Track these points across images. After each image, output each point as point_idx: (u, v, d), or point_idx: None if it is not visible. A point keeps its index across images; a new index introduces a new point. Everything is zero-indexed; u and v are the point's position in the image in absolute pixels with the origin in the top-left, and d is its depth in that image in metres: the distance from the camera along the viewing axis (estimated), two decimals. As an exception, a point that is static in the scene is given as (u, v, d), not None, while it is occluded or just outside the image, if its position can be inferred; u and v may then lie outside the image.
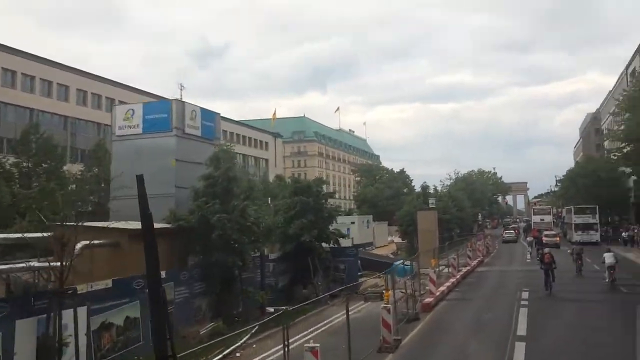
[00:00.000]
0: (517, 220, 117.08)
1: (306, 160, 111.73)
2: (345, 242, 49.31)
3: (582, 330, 17.61)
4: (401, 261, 36.20)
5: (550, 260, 25.18)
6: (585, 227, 53.71)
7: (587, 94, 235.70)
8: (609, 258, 25.91)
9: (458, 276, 30.13)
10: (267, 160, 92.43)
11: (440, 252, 39.46)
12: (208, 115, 25.46)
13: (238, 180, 20.52)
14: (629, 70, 67.29)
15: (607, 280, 25.88)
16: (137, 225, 20.63)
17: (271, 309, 22.72)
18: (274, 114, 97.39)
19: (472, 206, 71.68)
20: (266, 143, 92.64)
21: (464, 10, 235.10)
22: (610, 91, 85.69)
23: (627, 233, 48.36)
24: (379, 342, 16.16)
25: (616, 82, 76.86)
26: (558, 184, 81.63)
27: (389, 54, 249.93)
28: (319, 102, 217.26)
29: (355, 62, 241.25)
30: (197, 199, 19.83)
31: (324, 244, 27.68)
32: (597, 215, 53.97)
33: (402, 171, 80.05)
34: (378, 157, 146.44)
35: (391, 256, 43.83)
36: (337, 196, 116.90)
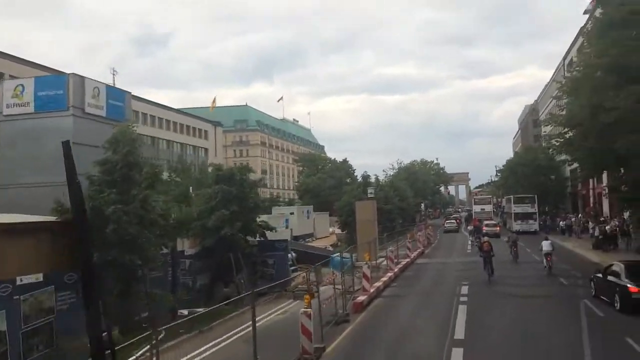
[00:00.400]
0: (459, 210, 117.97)
1: (248, 150, 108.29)
2: (283, 234, 46.99)
3: (523, 331, 15.83)
4: (339, 253, 34.29)
5: (489, 249, 25.65)
6: (525, 217, 53.33)
7: (526, 88, 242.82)
8: (546, 246, 26.71)
9: (396, 269, 28.22)
10: (206, 150, 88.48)
11: (380, 244, 37.78)
12: (116, 93, 22.29)
13: (141, 165, 17.50)
14: (566, 62, 67.62)
15: (545, 267, 26.60)
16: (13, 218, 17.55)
17: (185, 312, 20.01)
18: (214, 101, 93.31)
19: (414, 196, 70.61)
20: (205, 132, 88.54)
21: (409, 3, 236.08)
22: (547, 84, 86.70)
23: (564, 222, 48.09)
24: (298, 353, 13.79)
25: (553, 74, 77.48)
26: (498, 174, 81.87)
27: (335, 45, 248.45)
28: (266, 93, 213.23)
29: (301, 53, 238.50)
30: (92, 187, 16.77)
31: (252, 238, 25.18)
32: (536, 205, 53.65)
33: (345, 161, 78.20)
34: (323, 147, 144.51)
35: (330, 248, 41.69)
36: (279, 186, 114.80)
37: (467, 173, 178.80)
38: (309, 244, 48.14)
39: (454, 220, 65.44)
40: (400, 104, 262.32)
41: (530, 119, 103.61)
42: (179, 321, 15.51)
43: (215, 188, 23.00)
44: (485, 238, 30.04)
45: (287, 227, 47.98)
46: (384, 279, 25.33)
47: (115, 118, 21.74)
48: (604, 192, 53.62)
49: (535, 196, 54.01)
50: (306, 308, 14.00)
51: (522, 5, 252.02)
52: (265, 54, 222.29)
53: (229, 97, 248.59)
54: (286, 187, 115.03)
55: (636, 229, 26.41)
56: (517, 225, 53.20)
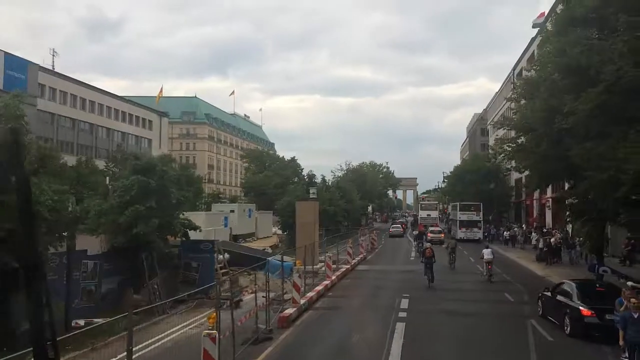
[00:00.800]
0: (406, 214, 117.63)
1: (195, 144, 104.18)
2: (221, 233, 44.00)
3: (466, 358, 13.81)
4: (278, 256, 31.79)
5: (431, 255, 25.55)
6: (469, 224, 52.34)
7: (476, 98, 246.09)
8: (487, 254, 26.88)
9: (334, 277, 25.99)
10: (150, 140, 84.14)
11: (322, 247, 35.60)
12: (15, 63, 18.96)
13: (24, 146, 14.41)
14: (516, 72, 67.52)
15: (485, 274, 26.65)
16: None
17: (81, 322, 17.03)
18: (160, 91, 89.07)
19: (361, 198, 68.87)
20: (150, 122, 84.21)
21: (366, 7, 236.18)
22: (496, 93, 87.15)
23: (508, 232, 47.20)
24: (200, 384, 11.22)
25: (502, 84, 77.59)
26: (445, 180, 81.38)
27: (291, 44, 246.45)
28: (219, 87, 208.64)
29: (257, 49, 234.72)
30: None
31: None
32: (481, 213, 52.79)
33: (293, 159, 75.67)
34: (273, 144, 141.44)
35: (269, 250, 39.07)
36: (227, 182, 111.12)
37: (415, 178, 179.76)
38: (247, 244, 45.34)
39: (399, 225, 64.11)
40: (353, 107, 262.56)
41: (478, 127, 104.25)
42: (65, 336, 12.60)
43: (132, 179, 19.99)
44: (428, 245, 29.51)
45: (226, 226, 45.04)
46: (319, 288, 23.01)
47: (12, 90, 18.51)
48: (547, 203, 53.51)
49: (481, 204, 53.16)
50: (210, 329, 11.41)
51: (474, 17, 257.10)
52: (220, 48, 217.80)
53: (180, 89, 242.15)
54: (233, 184, 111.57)
55: (584, 242, 25.06)
56: (461, 233, 52.18)
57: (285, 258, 24.45)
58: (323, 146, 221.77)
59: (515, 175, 66.71)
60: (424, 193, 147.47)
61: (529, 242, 44.43)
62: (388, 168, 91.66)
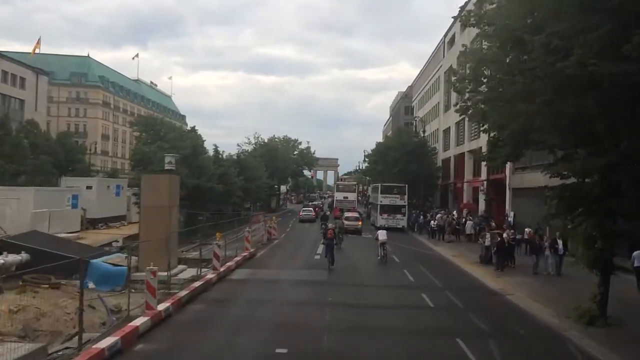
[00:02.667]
0: (325, 196, 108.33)
1: (86, 110, 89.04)
2: (69, 216, 32.21)
3: None
4: (112, 256, 20.74)
5: (333, 236, 23.98)
6: (392, 210, 43.20)
7: (399, 83, 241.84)
8: (381, 235, 26.03)
9: (182, 294, 15.45)
10: (22, 101, 68.86)
11: (182, 244, 24.97)
12: None
13: None
14: (447, 39, 59.06)
15: (380, 256, 25.48)
16: None
17: None
18: (37, 43, 73.20)
19: (270, 176, 58.30)
20: (22, 79, 68.80)
21: None
22: (422, 68, 79.15)
23: (435, 222, 37.80)
24: None
25: (432, 54, 69.28)
26: (366, 159, 72.12)
27: (215, 18, 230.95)
28: (139, 58, 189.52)
29: (179, 22, 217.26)
30: None
31: None
32: (406, 197, 43.80)
33: (194, 129, 63.58)
34: (184, 117, 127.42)
35: (118, 243, 27.70)
36: (124, 155, 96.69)
37: (337, 159, 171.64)
38: (105, 231, 33.64)
39: (311, 209, 53.97)
40: (277, 86, 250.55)
41: (402, 105, 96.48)
42: None
43: None
44: (330, 225, 27.20)
45: (75, 207, 33.06)
46: (144, 320, 12.42)
47: None
48: (481, 187, 45.59)
49: (406, 186, 44.17)
50: None
51: (398, 3, 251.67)
52: (141, 17, 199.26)
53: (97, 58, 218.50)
54: (126, 157, 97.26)
55: (580, 250, 15.63)
56: (382, 220, 42.96)
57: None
58: (247, 125, 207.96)
59: (442, 154, 58.80)
60: (345, 174, 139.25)
61: (462, 233, 35.89)
62: (301, 143, 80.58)
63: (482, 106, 14.75)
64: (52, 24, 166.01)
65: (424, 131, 50.46)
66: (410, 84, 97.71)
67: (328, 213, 52.69)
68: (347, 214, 41.12)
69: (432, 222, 38.04)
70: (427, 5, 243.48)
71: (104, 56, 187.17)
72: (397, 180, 47.48)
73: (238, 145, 66.64)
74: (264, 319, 14.02)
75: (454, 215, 41.24)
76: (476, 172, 45.88)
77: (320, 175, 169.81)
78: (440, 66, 61.35)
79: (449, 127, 56.44)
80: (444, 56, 60.29)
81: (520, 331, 13.49)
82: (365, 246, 31.07)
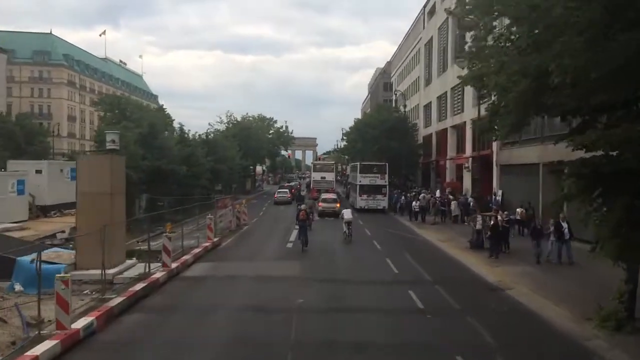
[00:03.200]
0: (304, 176, 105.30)
1: (50, 90, 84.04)
2: (15, 203, 28.90)
3: None
4: (48, 252, 17.52)
5: (305, 218, 23.05)
6: (372, 190, 40.40)
7: (377, 61, 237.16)
8: (347, 214, 25.84)
9: (117, 301, 12.46)
10: (-24, 82, 64.19)
11: (134, 235, 21.93)
12: None
13: None
14: (427, 10, 55.88)
15: (345, 233, 25.20)
16: None
17: None
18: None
19: (243, 157, 54.93)
20: (-25, 57, 64.03)
21: None
22: (401, 42, 75.98)
23: (417, 203, 34.98)
24: None
25: (411, 26, 66.08)
26: (344, 137, 68.73)
27: None
28: (111, 39, 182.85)
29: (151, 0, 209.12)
30: None
31: None
32: (387, 176, 40.98)
33: (162, 108, 59.87)
34: (156, 97, 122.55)
35: (64, 235, 24.39)
36: (91, 137, 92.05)
37: (315, 138, 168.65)
38: (54, 219, 30.27)
39: (287, 190, 50.93)
40: (255, 66, 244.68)
41: (381, 82, 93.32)
42: None
43: None
44: (303, 206, 26.47)
45: (22, 193, 29.57)
46: (51, 344, 9.47)
47: None
48: (464, 165, 43.02)
49: (387, 165, 41.34)
50: None
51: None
52: None
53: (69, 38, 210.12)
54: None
55: (601, 239, 12.92)
56: (362, 201, 40.23)
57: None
58: (225, 107, 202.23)
59: (423, 131, 56.05)
60: (324, 154, 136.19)
61: (447, 215, 33.32)
62: (276, 121, 76.60)
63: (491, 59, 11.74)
64: (15, 2, 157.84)
65: (404, 106, 47.52)
66: (388, 60, 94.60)
67: (304, 193, 49.85)
68: (324, 195, 38.21)
69: (414, 202, 35.22)
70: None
71: (74, 37, 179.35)
72: (376, 158, 44.67)
73: (209, 124, 62.92)
74: (214, 335, 11.05)
75: (436, 195, 38.65)
76: (460, 148, 43.27)
77: (298, 155, 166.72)
78: (420, 38, 58.29)
79: (430, 103, 53.65)
80: (424, 27, 57.19)
81: (534, 342, 10.78)
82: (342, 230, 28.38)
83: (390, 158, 44.79)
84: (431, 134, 52.81)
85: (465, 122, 41.10)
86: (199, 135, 47.02)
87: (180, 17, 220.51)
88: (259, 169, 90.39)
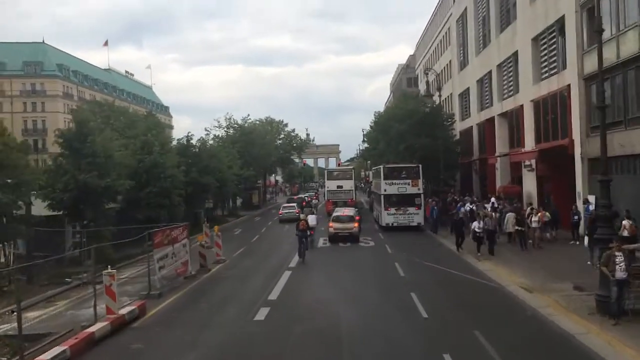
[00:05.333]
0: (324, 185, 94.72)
1: (44, 103, 75.83)
2: None
3: None
4: None
5: (305, 228, 21.70)
6: (402, 202, 29.67)
7: (397, 66, 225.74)
8: (311, 221, 24.17)
9: None
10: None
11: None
12: None
13: None
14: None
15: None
16: None
17: None
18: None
19: (244, 166, 44.79)
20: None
21: None
22: (424, 29, 65.17)
23: (482, 223, 21.94)
24: None
25: (436, 6, 55.17)
26: (365, 140, 57.70)
27: (209, 12, 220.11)
28: (134, 58, 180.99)
29: (172, 18, 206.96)
30: None
31: None
32: (421, 181, 30.25)
33: (151, 114, 50.24)
34: (167, 108, 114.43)
35: None
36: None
37: (338, 145, 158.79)
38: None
39: (294, 205, 40.13)
40: (276, 77, 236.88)
41: (404, 77, 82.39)
42: None
43: None
44: (302, 216, 23.98)
45: None
46: None
47: None
48: (525, 162, 32.00)
49: (420, 166, 30.61)
50: None
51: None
52: (134, 16, 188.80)
53: (91, 59, 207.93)
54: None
55: None
56: (389, 216, 29.60)
57: None
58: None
59: (459, 125, 45.01)
60: (346, 161, 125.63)
61: (527, 236, 22.10)
62: (286, 125, 65.35)
63: None
64: (36, 22, 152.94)
65: (439, 89, 36.71)
66: (411, 53, 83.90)
67: (315, 202, 40.30)
68: (337, 212, 27.42)
69: (476, 223, 22.25)
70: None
71: (96, 58, 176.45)
72: (405, 160, 34.05)
73: (206, 129, 52.84)
74: None
75: (490, 205, 27.69)
76: (515, 141, 32.17)
77: (322, 163, 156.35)
78: (450, 14, 47.43)
79: (467, 90, 42.69)
80: (453, 2, 46.42)
81: None
82: (368, 269, 18.09)
83: (421, 159, 34.03)
84: (470, 127, 41.83)
85: (521, 105, 30.16)
86: (178, 140, 37.08)
87: (201, 33, 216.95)
88: (273, 179, 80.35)
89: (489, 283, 15.60)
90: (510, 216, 23.06)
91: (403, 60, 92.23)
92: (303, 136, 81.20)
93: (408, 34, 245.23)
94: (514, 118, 32.28)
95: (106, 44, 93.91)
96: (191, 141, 38.66)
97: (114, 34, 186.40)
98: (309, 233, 22.42)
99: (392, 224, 29.37)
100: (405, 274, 17.13)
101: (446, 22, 49.12)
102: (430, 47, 59.75)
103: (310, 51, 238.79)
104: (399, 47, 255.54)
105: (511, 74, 32.44)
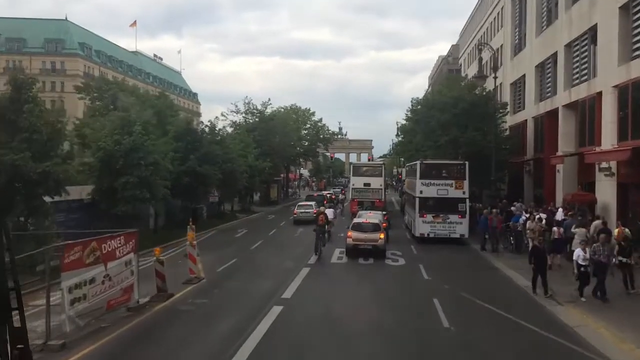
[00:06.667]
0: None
1: (64, 83, 72.09)
2: None
3: None
4: None
5: (324, 222, 20.96)
6: (442, 207, 23.46)
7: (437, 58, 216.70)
8: (329, 214, 23.60)
9: None
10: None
11: None
12: None
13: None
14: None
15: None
16: None
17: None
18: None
19: (260, 156, 39.31)
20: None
21: None
22: (471, 13, 58.25)
23: (591, 252, 14.18)
24: None
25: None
26: (399, 134, 51.04)
27: (248, 3, 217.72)
28: (174, 47, 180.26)
29: (213, 7, 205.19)
30: None
31: None
32: (467, 182, 23.93)
33: (163, 94, 45.36)
34: (195, 95, 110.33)
35: None
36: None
37: (371, 140, 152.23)
38: None
39: (311, 205, 33.90)
40: (313, 70, 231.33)
41: (445, 69, 75.49)
42: None
43: None
44: (322, 208, 23.05)
45: None
46: None
47: None
48: (601, 165, 25.30)
49: (466, 164, 24.32)
50: None
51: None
52: (174, 4, 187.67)
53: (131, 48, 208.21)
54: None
55: None
56: (424, 225, 23.55)
57: None
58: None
59: (510, 119, 38.25)
60: (379, 157, 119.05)
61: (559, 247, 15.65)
62: (314, 114, 58.80)
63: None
64: (86, 12, 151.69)
65: (495, 69, 30.14)
66: (454, 42, 76.85)
67: (342, 196, 35.82)
68: (357, 219, 21.45)
69: (579, 252, 13.67)
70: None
71: (139, 45, 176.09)
72: (447, 156, 27.85)
73: (223, 114, 47.07)
74: None
75: (559, 216, 21.35)
76: (587, 138, 25.51)
77: (353, 158, 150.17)
78: (506, -10, 40.72)
79: (523, 77, 35.96)
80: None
81: None
82: (394, 309, 12.23)
83: (466, 156, 27.70)
84: (523, 121, 35.21)
85: (599, 93, 23.55)
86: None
87: (240, 24, 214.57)
88: (297, 172, 74.78)
89: (586, 354, 9.52)
90: (581, 233, 17.19)
91: (444, 53, 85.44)
92: (335, 129, 75.63)
93: (448, 31, 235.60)
94: (586, 109, 25.59)
95: (134, 24, 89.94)
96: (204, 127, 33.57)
97: (155, 22, 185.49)
98: (326, 228, 21.65)
99: (428, 234, 23.30)
100: (451, 324, 11.18)
101: (499, 1, 42.33)
102: (477, 33, 52.87)
103: (349, 45, 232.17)
104: (440, 45, 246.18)
105: (585, 54, 25.77)
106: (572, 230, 18.96)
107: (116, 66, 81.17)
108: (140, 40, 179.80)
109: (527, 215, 21.76)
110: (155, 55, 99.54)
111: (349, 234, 19.69)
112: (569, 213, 21.52)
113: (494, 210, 21.69)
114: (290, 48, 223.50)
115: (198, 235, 26.18)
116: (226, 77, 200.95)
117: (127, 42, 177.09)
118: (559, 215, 21.89)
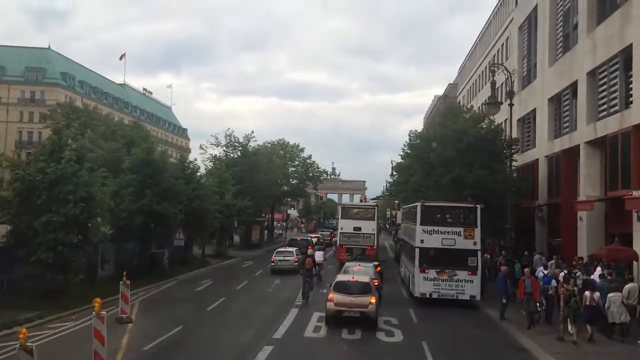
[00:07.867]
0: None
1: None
2: None
3: None
4: None
5: (312, 266, 20.11)
6: (449, 261, 18.79)
7: (433, 98, 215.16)
8: (318, 257, 23.25)
9: None
10: None
11: None
12: None
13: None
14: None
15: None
16: None
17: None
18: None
19: (240, 192, 34.78)
20: None
21: (322, 11, 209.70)
22: (471, 47, 55.27)
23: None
24: None
25: (492, 12, 45.24)
26: (394, 174, 46.45)
27: (247, 44, 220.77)
28: (173, 84, 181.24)
29: (211, 48, 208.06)
30: None
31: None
32: (478, 230, 19.31)
33: (137, 124, 41.33)
34: (185, 130, 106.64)
35: None
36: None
37: (364, 182, 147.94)
38: None
39: (292, 252, 28.59)
40: (309, 110, 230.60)
41: (441, 107, 72.24)
42: None
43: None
44: (310, 251, 22.65)
45: None
46: None
47: None
48: (638, 213, 20.65)
49: (478, 208, 19.74)
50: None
51: (427, 29, 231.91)
52: (174, 44, 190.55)
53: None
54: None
55: None
56: (426, 283, 18.79)
57: None
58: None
59: (519, 157, 34.04)
60: (372, 199, 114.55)
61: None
62: (303, 149, 54.13)
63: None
64: (87, 51, 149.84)
65: (510, 94, 25.94)
66: (451, 81, 74.01)
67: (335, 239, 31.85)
68: (341, 277, 16.72)
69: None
70: (457, 30, 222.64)
71: (139, 83, 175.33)
72: (448, 198, 23.37)
73: (202, 147, 42.25)
74: None
75: (596, 278, 16.78)
76: (614, 181, 21.16)
77: (346, 198, 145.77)
78: (511, 20, 37.42)
79: (533, 112, 31.97)
80: (516, 3, 36.38)
81: None
82: None
83: (474, 198, 23.20)
84: (534, 161, 31.07)
85: (635, 126, 19.41)
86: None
87: (238, 64, 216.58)
88: (290, 212, 70.03)
89: None
90: (616, 299, 13.34)
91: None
92: (328, 168, 71.46)
93: (443, 76, 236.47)
94: (618, 145, 21.36)
95: (123, 56, 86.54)
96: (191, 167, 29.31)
97: (154, 60, 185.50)
98: (314, 272, 20.86)
99: (431, 294, 18.58)
100: None
101: (504, 30, 39.01)
102: (477, 69, 49.56)
103: (344, 88, 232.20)
104: (434, 88, 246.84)
105: (614, 81, 21.79)
106: (608, 296, 14.65)
107: (101, 98, 77.35)
108: (138, 78, 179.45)
109: (564, 273, 17.19)
110: (144, 89, 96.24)
111: (330, 296, 14.94)
112: (608, 273, 16.96)
113: (526, 270, 16.88)
114: (287, 89, 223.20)
115: (149, 289, 21.40)
116: (221, 115, 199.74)
117: (129, 78, 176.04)
118: (596, 275, 17.32)
